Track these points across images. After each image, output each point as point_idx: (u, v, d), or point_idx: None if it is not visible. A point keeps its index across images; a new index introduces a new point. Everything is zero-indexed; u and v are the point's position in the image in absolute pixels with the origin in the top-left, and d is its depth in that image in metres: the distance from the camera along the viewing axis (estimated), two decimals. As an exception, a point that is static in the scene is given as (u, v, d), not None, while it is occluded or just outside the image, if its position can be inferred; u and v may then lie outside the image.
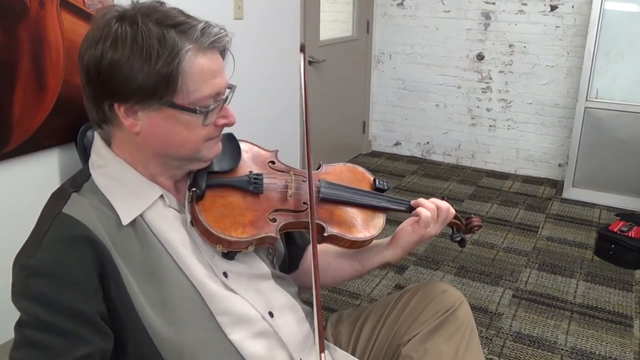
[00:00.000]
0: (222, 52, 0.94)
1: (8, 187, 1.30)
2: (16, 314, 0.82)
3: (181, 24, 0.87)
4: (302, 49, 1.04)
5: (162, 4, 0.92)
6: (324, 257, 1.22)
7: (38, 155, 1.35)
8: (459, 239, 1.22)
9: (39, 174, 1.35)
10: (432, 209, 1.14)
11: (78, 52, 0.90)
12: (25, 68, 1.28)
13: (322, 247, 1.21)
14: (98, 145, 0.96)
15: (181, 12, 0.91)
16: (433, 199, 1.17)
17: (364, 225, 1.10)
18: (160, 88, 0.86)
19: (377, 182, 1.18)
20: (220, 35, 0.91)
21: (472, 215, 1.25)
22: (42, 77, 1.31)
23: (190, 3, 0.98)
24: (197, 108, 0.89)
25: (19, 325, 0.80)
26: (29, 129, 1.31)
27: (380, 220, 1.12)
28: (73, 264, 0.83)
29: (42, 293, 0.80)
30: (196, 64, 0.87)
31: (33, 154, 1.33)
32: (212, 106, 0.90)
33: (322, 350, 0.82)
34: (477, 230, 1.24)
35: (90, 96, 0.90)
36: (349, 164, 1.23)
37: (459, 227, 1.24)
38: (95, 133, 0.98)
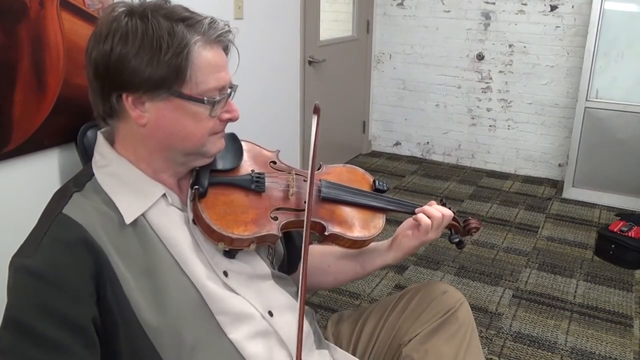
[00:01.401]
0: (225, 49, 0.96)
1: (8, 187, 1.30)
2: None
3: (188, 18, 0.90)
4: (316, 111, 1.01)
5: (167, 1, 0.93)
6: (324, 259, 1.22)
7: (38, 155, 1.34)
8: (457, 240, 1.22)
9: (39, 174, 1.35)
10: (437, 217, 1.13)
11: (85, 49, 0.91)
12: (25, 68, 1.27)
13: (323, 249, 1.21)
14: (101, 144, 0.97)
15: (186, 9, 0.93)
16: (437, 207, 1.16)
17: (364, 225, 1.10)
18: (169, 78, 0.87)
19: (377, 183, 1.19)
20: (226, 30, 0.93)
21: (470, 218, 1.26)
22: (42, 77, 1.31)
23: (190, 3, 0.98)
24: (205, 98, 0.90)
25: (7, 327, 0.80)
26: (29, 129, 1.31)
27: (380, 220, 1.13)
28: (70, 268, 0.83)
29: (36, 297, 0.80)
30: (203, 56, 0.89)
31: (33, 154, 1.33)
32: (218, 98, 0.92)
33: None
34: (475, 232, 1.24)
35: (97, 90, 0.91)
36: (349, 165, 1.24)
37: (457, 229, 1.24)
38: (99, 132, 0.99)
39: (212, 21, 0.91)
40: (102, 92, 0.90)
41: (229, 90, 0.95)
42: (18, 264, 0.83)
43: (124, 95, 0.89)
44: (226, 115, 0.96)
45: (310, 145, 1.01)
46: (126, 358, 0.88)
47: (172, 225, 0.93)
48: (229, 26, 0.94)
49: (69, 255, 0.83)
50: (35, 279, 0.81)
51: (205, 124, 0.92)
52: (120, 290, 0.86)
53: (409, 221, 1.17)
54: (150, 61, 0.86)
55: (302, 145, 3.24)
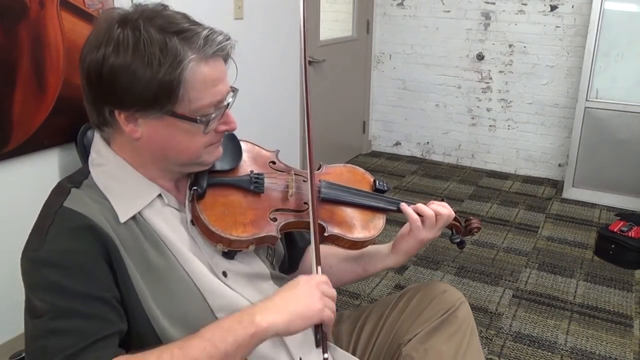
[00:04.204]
0: (225, 58, 0.93)
1: (8, 187, 1.30)
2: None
3: (184, 30, 0.86)
4: None
5: (166, 7, 0.90)
6: (327, 260, 1.22)
7: (38, 155, 1.35)
8: (458, 240, 1.22)
9: (39, 174, 1.35)
10: (429, 215, 1.13)
11: (79, 54, 0.89)
12: (25, 68, 1.28)
13: (325, 250, 1.21)
14: (98, 143, 0.96)
15: (185, 17, 0.89)
16: (432, 205, 1.16)
17: (364, 226, 1.10)
18: (161, 97, 0.85)
19: (377, 183, 1.18)
20: (224, 44, 0.89)
21: (471, 217, 1.25)
22: (42, 77, 1.31)
23: (190, 3, 0.97)
24: (198, 117, 0.88)
25: (37, 317, 0.80)
26: (29, 128, 1.31)
27: (380, 221, 1.12)
28: (81, 253, 0.83)
29: (56, 282, 0.80)
30: (198, 73, 0.86)
31: (33, 153, 1.33)
32: (213, 115, 0.90)
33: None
34: (476, 232, 1.24)
35: (90, 100, 0.90)
36: (349, 164, 1.23)
37: (458, 229, 1.24)
38: (96, 131, 0.98)
39: (210, 34, 0.87)
40: (95, 103, 0.89)
41: (227, 101, 0.93)
42: (29, 258, 0.83)
43: (116, 112, 0.87)
44: (223, 127, 0.94)
45: (300, 33, 0.97)
46: (133, 345, 0.88)
47: (169, 226, 0.93)
48: (228, 38, 0.91)
49: (77, 241, 0.84)
50: (49, 268, 0.81)
51: (200, 139, 0.91)
52: (128, 278, 0.87)
53: (407, 224, 1.17)
54: (142, 77, 0.83)
55: (302, 145, 3.24)
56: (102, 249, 0.85)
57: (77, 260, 0.82)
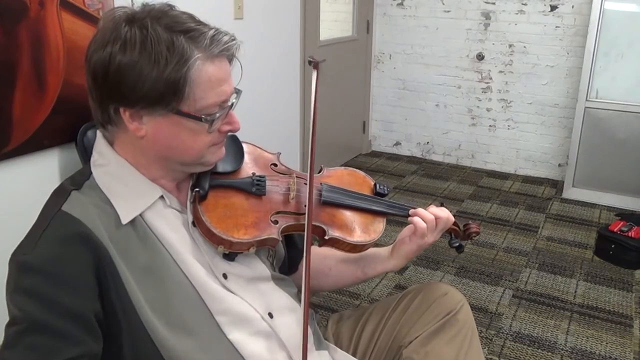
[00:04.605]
0: (230, 59, 0.93)
1: (8, 187, 1.30)
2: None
3: (191, 30, 0.87)
4: (315, 66, 0.97)
5: (172, 7, 0.91)
6: (326, 262, 1.22)
7: (38, 155, 1.34)
8: (456, 244, 1.22)
9: (39, 174, 1.35)
10: (429, 220, 1.13)
11: (85, 53, 0.89)
12: (25, 68, 1.27)
13: (324, 252, 1.21)
14: (100, 143, 0.96)
15: (191, 17, 0.90)
16: (432, 209, 1.16)
17: (365, 230, 1.10)
18: (167, 95, 0.85)
19: (377, 187, 1.18)
20: (230, 44, 0.90)
21: (470, 222, 1.25)
22: (42, 77, 1.31)
23: (191, 3, 0.97)
24: (203, 116, 0.89)
25: (12, 324, 0.80)
26: (29, 129, 1.30)
27: (380, 224, 1.13)
28: (69, 261, 0.83)
29: (37, 290, 0.80)
30: (204, 72, 0.87)
31: (33, 154, 1.33)
32: (217, 114, 0.90)
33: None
34: (474, 236, 1.24)
35: (96, 98, 0.90)
36: (350, 168, 1.23)
37: (457, 234, 1.24)
38: (98, 131, 0.98)
39: (216, 34, 0.88)
40: (101, 101, 0.89)
41: (230, 101, 0.93)
42: (17, 261, 0.83)
43: (121, 109, 0.88)
44: (226, 127, 0.95)
45: (310, 105, 0.96)
46: (130, 355, 0.88)
47: (170, 227, 0.93)
48: (234, 38, 0.91)
49: (68, 249, 0.83)
50: (34, 274, 0.81)
51: (204, 138, 0.92)
52: (122, 287, 0.86)
53: (408, 227, 1.17)
54: (148, 75, 0.84)
55: (302, 145, 3.24)
56: (93, 259, 0.84)
57: (62, 268, 0.82)
